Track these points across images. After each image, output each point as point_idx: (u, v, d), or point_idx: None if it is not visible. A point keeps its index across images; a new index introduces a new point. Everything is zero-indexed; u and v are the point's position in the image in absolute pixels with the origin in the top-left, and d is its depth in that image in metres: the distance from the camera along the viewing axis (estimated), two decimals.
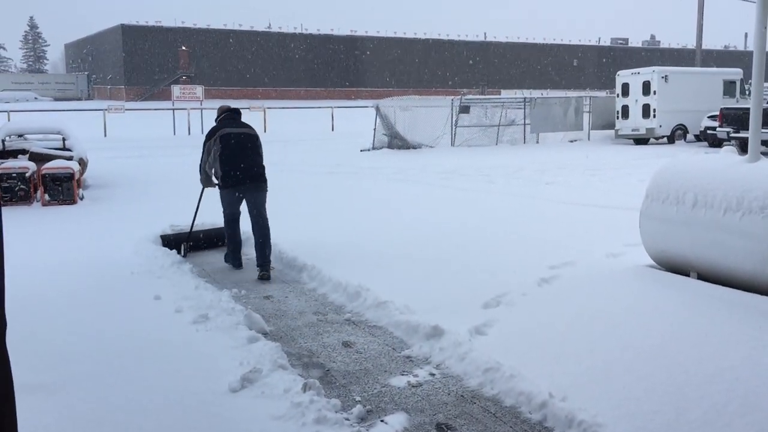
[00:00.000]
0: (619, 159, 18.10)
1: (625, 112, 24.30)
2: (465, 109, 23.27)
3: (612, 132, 25.26)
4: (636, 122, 23.89)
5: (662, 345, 4.23)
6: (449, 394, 3.98)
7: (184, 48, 64.54)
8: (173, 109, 31.58)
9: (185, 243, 7.93)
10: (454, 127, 22.83)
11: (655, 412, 3.45)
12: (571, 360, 4.14)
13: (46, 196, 11.23)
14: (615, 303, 5.08)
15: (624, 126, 24.38)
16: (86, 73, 72.90)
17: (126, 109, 33.57)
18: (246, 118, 8.17)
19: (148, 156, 20.20)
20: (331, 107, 35.48)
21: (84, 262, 7.17)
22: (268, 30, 70.84)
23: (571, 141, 24.86)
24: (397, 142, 21.77)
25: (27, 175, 11.22)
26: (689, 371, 3.85)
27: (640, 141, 24.05)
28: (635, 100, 23.88)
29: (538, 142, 24.33)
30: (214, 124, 7.24)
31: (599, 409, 3.50)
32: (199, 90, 32.69)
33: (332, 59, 71.82)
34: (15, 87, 64.40)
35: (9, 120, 21.54)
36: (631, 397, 3.62)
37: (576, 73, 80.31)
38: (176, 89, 32.56)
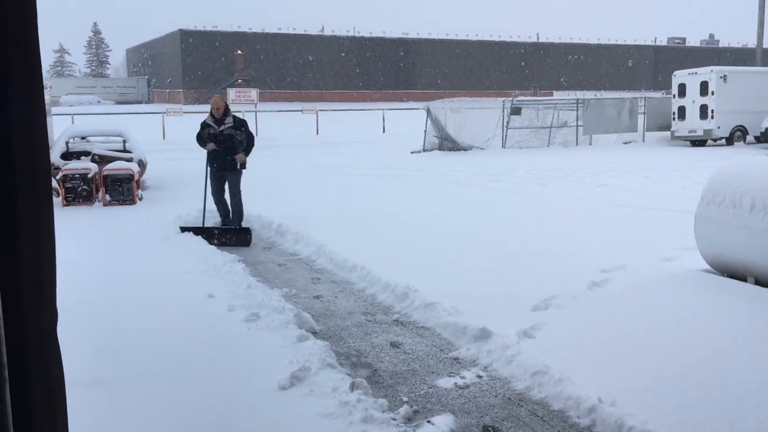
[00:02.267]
0: (675, 161, 17.65)
1: (681, 113, 23.66)
2: (516, 111, 23.03)
3: (668, 134, 24.62)
4: (693, 123, 23.24)
5: (717, 352, 4.13)
6: (496, 397, 3.98)
7: (240, 52, 65.78)
8: None
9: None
10: (505, 129, 22.63)
11: (707, 420, 3.38)
12: (622, 365, 4.08)
13: (107, 197, 11.61)
14: (668, 308, 4.98)
15: (680, 127, 23.74)
16: (146, 77, 75.08)
17: (184, 112, 34.33)
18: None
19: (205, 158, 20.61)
20: (383, 109, 35.57)
21: (141, 260, 7.41)
22: (321, 33, 71.57)
23: (626, 143, 24.36)
24: (447, 143, 21.69)
25: (89, 175, 11.61)
26: (745, 379, 3.76)
27: (697, 143, 23.38)
28: (692, 101, 23.23)
29: (591, 143, 23.90)
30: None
31: (649, 415, 3.44)
32: (254, 93, 33.12)
33: (384, 62, 72.11)
34: (79, 91, 66.74)
35: (73, 123, 22.34)
36: (683, 404, 3.55)
37: (631, 74, 78.60)
38: (232, 92, 33.07)
